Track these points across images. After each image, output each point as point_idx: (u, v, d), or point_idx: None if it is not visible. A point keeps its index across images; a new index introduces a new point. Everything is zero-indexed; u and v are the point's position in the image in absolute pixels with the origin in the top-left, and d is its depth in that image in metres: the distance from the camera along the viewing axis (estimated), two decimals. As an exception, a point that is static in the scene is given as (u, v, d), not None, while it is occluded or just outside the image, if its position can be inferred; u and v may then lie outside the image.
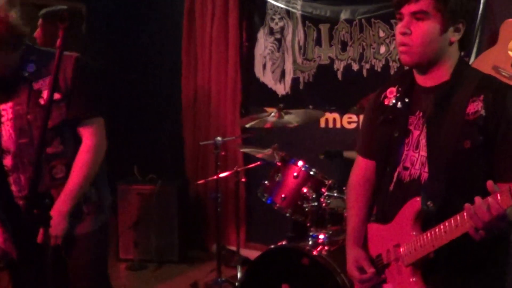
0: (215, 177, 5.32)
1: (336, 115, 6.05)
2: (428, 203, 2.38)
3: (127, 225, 6.25)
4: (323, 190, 4.57)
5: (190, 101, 6.84)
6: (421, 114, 2.53)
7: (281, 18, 6.28)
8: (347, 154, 5.43)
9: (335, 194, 4.55)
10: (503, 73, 4.53)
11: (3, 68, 3.11)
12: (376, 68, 5.75)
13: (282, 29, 6.29)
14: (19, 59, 3.14)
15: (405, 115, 2.56)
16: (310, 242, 4.35)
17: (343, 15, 5.87)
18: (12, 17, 2.97)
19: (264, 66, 6.45)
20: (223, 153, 5.38)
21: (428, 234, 2.35)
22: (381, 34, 5.68)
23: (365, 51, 5.80)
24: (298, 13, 6.14)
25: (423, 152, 2.49)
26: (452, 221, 2.26)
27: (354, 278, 2.73)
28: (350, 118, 5.97)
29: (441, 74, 2.49)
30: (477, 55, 5.16)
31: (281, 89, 6.35)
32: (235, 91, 6.53)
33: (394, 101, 2.60)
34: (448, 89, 2.46)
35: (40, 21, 4.89)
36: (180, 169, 6.94)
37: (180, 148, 6.97)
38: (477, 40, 5.24)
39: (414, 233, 2.44)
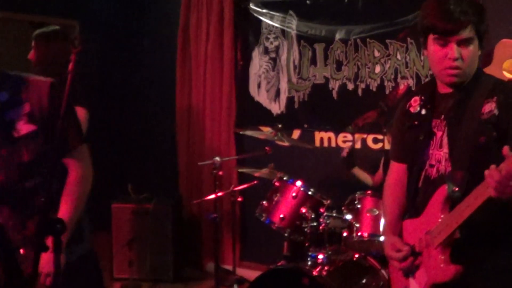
0: (213, 196, 5.30)
1: (331, 134, 6.07)
2: (454, 189, 2.66)
3: (121, 244, 6.23)
4: (321, 210, 4.60)
5: (184, 119, 6.84)
6: (443, 116, 2.83)
7: (276, 38, 6.31)
8: (358, 172, 5.43)
9: (334, 214, 4.58)
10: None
11: None
12: (371, 88, 5.78)
13: (277, 48, 6.32)
14: None
15: (429, 119, 2.87)
16: (309, 262, 4.36)
17: (338, 35, 5.90)
18: None
19: (259, 85, 6.47)
20: (221, 173, 5.37)
21: (452, 213, 2.63)
22: (376, 54, 5.71)
23: (360, 71, 5.83)
24: (293, 32, 6.17)
25: (446, 150, 2.78)
26: (471, 195, 2.51)
27: (392, 258, 2.98)
28: (345, 137, 5.99)
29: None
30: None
31: (276, 108, 6.37)
32: (229, 110, 6.54)
33: (418, 108, 2.93)
34: (466, 93, 2.76)
35: (33, 43, 4.84)
36: (174, 187, 6.93)
37: (174, 167, 6.96)
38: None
39: (442, 217, 2.71)
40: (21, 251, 2.90)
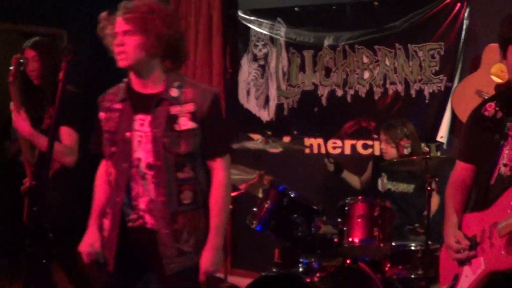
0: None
1: (320, 141, 6.08)
2: None
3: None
4: (312, 216, 4.58)
5: (174, 128, 6.83)
6: None
7: (264, 45, 6.32)
8: (346, 175, 5.48)
9: (325, 220, 4.57)
10: (486, 97, 4.59)
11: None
12: (360, 94, 5.80)
13: (265, 55, 6.33)
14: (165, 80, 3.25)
15: (504, 122, 3.00)
16: (301, 269, 4.35)
17: (327, 42, 5.92)
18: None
19: (248, 93, 6.48)
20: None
21: None
22: (365, 60, 5.73)
23: (349, 77, 5.85)
24: (282, 39, 6.19)
25: None
26: None
27: (451, 248, 3.06)
28: (335, 143, 6.01)
29: None
30: (460, 80, 5.23)
31: (265, 115, 6.38)
32: (219, 118, 6.52)
33: (493, 112, 3.08)
34: None
35: (32, 53, 4.75)
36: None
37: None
38: (460, 65, 5.31)
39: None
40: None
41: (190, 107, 3.16)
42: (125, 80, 3.32)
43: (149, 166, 3.15)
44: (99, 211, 3.33)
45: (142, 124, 3.18)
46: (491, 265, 2.84)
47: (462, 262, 3.03)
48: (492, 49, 4.87)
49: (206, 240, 3.21)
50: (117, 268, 3.23)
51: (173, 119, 3.15)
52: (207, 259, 3.18)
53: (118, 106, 3.26)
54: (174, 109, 3.17)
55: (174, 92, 3.21)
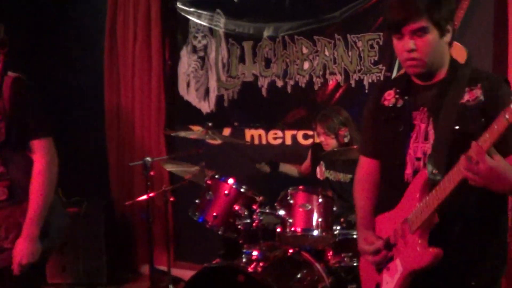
0: (145, 197, 5.26)
1: (261, 132, 6.09)
2: (434, 171, 2.60)
3: (53, 249, 6.12)
4: (254, 207, 4.60)
5: (114, 120, 6.77)
6: (425, 109, 2.78)
7: (204, 36, 6.29)
8: (283, 167, 5.52)
9: (267, 211, 4.58)
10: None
11: None
12: (300, 84, 5.82)
13: (205, 47, 6.31)
14: None
15: (408, 110, 2.83)
16: (244, 259, 4.35)
17: (266, 32, 5.92)
18: None
19: (188, 84, 6.45)
20: (152, 173, 5.33)
21: (428, 195, 2.59)
22: (304, 50, 5.75)
23: (289, 68, 5.86)
24: (221, 31, 6.17)
25: (433, 141, 2.73)
26: (445, 177, 2.49)
27: (365, 252, 2.96)
28: (276, 134, 6.02)
29: (440, 72, 2.77)
30: (399, 69, 5.24)
31: (206, 107, 6.36)
32: (159, 110, 6.51)
33: (394, 101, 2.90)
34: (447, 84, 2.73)
35: None
36: (106, 189, 6.85)
37: (105, 168, 6.88)
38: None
39: (420, 201, 2.66)
40: None
41: None
42: None
43: None
44: None
45: None
46: (408, 265, 2.69)
47: (380, 269, 2.88)
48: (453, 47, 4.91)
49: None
50: None
51: None
52: (20, 249, 3.12)
53: None
54: None
55: None
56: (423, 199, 2.64)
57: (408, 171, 2.81)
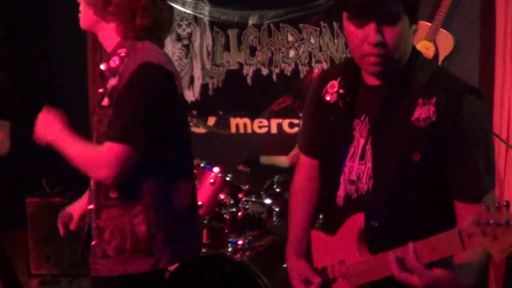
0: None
1: (246, 120, 6.06)
2: (372, 222, 2.12)
3: (38, 239, 6.07)
4: (240, 196, 4.58)
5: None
6: (367, 118, 2.18)
7: (188, 24, 6.24)
8: (263, 160, 5.49)
9: (253, 199, 4.57)
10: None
11: None
12: (285, 72, 5.80)
13: (189, 35, 6.26)
14: None
15: (348, 118, 2.22)
16: (230, 249, 4.33)
17: (251, 20, 5.88)
18: None
19: (173, 73, 6.40)
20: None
21: (373, 261, 2.10)
22: (290, 38, 5.73)
23: (274, 56, 5.84)
24: (206, 18, 6.12)
25: (370, 164, 2.16)
26: (383, 256, 2.05)
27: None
28: (261, 122, 6.00)
29: (396, 70, 2.11)
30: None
31: (190, 95, 6.31)
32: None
33: (336, 98, 2.26)
34: (396, 89, 2.11)
35: None
36: (89, 180, 6.78)
37: (89, 158, 6.82)
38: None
39: (358, 253, 2.18)
40: None
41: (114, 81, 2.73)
42: None
43: None
44: None
45: None
46: None
47: None
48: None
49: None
50: None
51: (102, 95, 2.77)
52: None
53: None
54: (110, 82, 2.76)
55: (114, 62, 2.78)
56: (364, 252, 2.16)
57: (340, 193, 2.26)
